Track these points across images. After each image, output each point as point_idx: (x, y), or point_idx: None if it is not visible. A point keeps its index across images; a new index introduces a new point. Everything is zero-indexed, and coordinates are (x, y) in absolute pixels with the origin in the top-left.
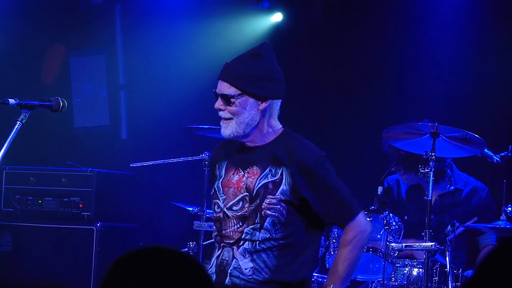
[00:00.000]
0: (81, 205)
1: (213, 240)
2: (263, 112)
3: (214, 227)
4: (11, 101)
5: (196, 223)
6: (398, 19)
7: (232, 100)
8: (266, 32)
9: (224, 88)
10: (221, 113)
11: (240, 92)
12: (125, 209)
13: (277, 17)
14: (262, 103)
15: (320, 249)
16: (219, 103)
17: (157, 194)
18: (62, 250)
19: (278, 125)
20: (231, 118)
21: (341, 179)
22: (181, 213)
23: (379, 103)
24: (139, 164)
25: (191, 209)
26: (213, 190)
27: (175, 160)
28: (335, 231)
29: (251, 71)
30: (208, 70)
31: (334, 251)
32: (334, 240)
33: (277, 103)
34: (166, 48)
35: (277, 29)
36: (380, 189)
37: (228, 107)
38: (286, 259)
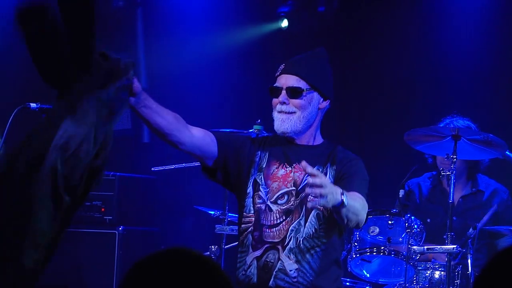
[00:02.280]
0: (103, 209)
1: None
2: (321, 112)
3: (252, 219)
4: (33, 105)
5: (218, 226)
6: (415, 19)
7: (303, 93)
8: (280, 37)
9: (293, 81)
10: (283, 107)
11: (309, 86)
12: (147, 213)
13: (285, 23)
14: (323, 101)
15: (342, 252)
16: (283, 97)
17: (179, 198)
18: (84, 254)
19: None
20: (293, 112)
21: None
22: (202, 216)
23: (400, 106)
24: (160, 168)
25: (212, 212)
26: (252, 181)
27: (196, 164)
28: (356, 234)
29: (321, 69)
30: (229, 73)
31: (355, 254)
32: (356, 243)
33: (327, 109)
34: (187, 51)
35: (289, 34)
36: (401, 192)
37: (293, 101)
38: (327, 262)
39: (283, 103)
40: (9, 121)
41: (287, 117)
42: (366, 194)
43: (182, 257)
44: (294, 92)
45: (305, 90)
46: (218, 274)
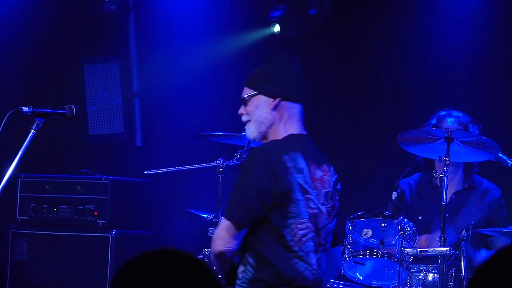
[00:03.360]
0: (96, 213)
1: None
2: (277, 112)
3: (309, 224)
4: (25, 109)
5: (211, 229)
6: (408, 20)
7: (248, 100)
8: (274, 42)
9: (243, 92)
10: (242, 118)
11: (252, 92)
12: (140, 217)
13: (277, 28)
14: (273, 101)
15: None
16: (240, 109)
17: (172, 201)
18: (77, 258)
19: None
20: (248, 120)
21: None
22: (196, 220)
23: (393, 108)
24: (153, 172)
25: (206, 215)
26: (298, 185)
27: (189, 167)
28: (349, 236)
29: (262, 72)
30: (222, 77)
31: (348, 257)
32: (348, 246)
33: (293, 106)
34: (180, 55)
35: (282, 38)
36: (394, 194)
37: (245, 109)
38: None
39: (241, 114)
40: (1, 125)
41: (247, 127)
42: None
43: (170, 256)
44: (243, 102)
45: (246, 97)
46: (206, 272)
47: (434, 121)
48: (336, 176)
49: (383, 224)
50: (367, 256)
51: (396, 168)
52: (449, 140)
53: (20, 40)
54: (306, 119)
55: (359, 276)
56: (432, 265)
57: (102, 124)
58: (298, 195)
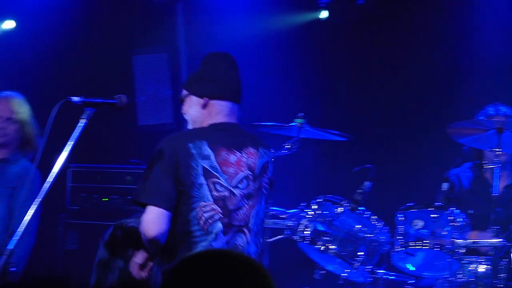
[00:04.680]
0: None
1: (281, 236)
2: (206, 111)
3: (215, 207)
4: (75, 99)
5: None
6: (457, 9)
7: (183, 101)
8: (319, 28)
9: (182, 93)
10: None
11: (186, 93)
12: None
13: (325, 14)
14: (202, 100)
15: (386, 245)
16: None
17: None
18: None
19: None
20: (186, 119)
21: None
22: None
23: (443, 98)
24: None
25: None
26: (201, 170)
27: None
28: (400, 228)
29: (194, 74)
30: (271, 66)
31: (399, 247)
32: (399, 237)
33: (222, 104)
34: (228, 44)
35: (328, 25)
36: (445, 185)
37: (183, 109)
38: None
39: (183, 113)
40: (52, 115)
41: (187, 124)
42: None
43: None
44: (181, 102)
45: (182, 98)
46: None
47: (484, 112)
48: (266, 159)
49: (434, 215)
50: (418, 247)
51: (446, 159)
52: (500, 131)
53: (70, 32)
54: (354, 113)
55: (410, 267)
56: (483, 256)
57: (151, 115)
58: (200, 180)
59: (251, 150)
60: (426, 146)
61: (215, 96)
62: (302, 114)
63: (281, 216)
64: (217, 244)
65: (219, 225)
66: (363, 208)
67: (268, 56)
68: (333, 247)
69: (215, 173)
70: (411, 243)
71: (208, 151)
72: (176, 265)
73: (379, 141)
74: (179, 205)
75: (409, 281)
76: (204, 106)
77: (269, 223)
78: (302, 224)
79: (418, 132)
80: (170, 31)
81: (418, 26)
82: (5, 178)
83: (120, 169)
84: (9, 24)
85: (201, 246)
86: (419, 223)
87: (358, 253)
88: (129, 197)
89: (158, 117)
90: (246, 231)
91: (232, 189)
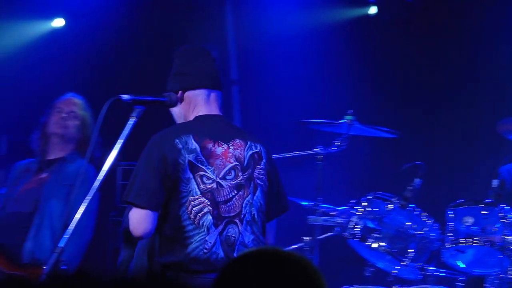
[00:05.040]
0: None
1: (331, 233)
2: (184, 104)
3: (203, 199)
4: (125, 97)
5: (311, 217)
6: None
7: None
8: (368, 24)
9: None
10: None
11: (165, 92)
12: None
13: (374, 10)
14: (177, 95)
15: (436, 242)
16: None
17: None
18: None
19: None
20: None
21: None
22: (295, 207)
23: (493, 95)
24: None
25: (305, 203)
26: (188, 164)
27: (288, 154)
28: (450, 225)
29: (170, 71)
30: (320, 62)
31: (450, 244)
32: (450, 234)
33: (197, 93)
34: (277, 40)
35: (377, 21)
36: (495, 181)
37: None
38: (262, 230)
39: None
40: (102, 112)
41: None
42: None
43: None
44: None
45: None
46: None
47: None
48: (255, 150)
49: (484, 212)
50: (469, 244)
51: (496, 155)
52: None
53: (119, 29)
54: (405, 107)
55: (460, 264)
56: None
57: None
58: (187, 174)
59: (238, 141)
60: (476, 143)
61: (187, 87)
62: (352, 111)
63: (331, 213)
64: (211, 238)
65: (209, 218)
66: (413, 205)
67: (317, 52)
68: (383, 244)
69: (201, 166)
70: (461, 240)
71: (194, 144)
72: (228, 264)
73: (429, 138)
74: (170, 202)
75: (460, 278)
76: (181, 100)
77: (319, 220)
78: (352, 221)
79: (468, 128)
80: (219, 28)
81: (466, 22)
82: (62, 177)
83: None
84: (59, 22)
85: (194, 241)
86: (469, 220)
87: (408, 250)
88: None
89: None
90: (237, 221)
91: (220, 181)
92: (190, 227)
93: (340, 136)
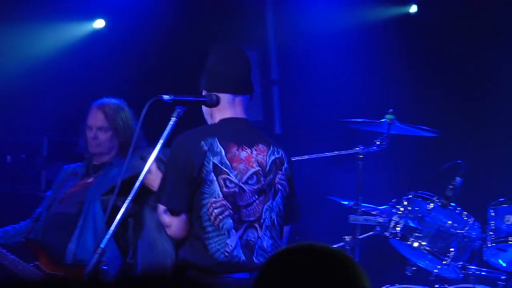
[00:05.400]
0: None
1: (372, 232)
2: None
3: (224, 202)
4: (166, 97)
5: (351, 217)
6: None
7: None
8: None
9: None
10: None
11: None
12: None
13: (414, 8)
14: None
15: (477, 241)
16: None
17: (312, 188)
18: None
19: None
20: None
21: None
22: (336, 207)
23: None
24: (293, 159)
25: (346, 203)
26: (212, 167)
27: (329, 154)
28: (492, 223)
29: (203, 68)
30: (360, 62)
31: (491, 243)
32: (491, 233)
33: (223, 97)
34: (317, 40)
35: (418, 20)
36: None
37: None
38: (280, 235)
39: None
40: (143, 113)
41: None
42: None
43: (320, 251)
44: None
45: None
46: (352, 268)
47: None
48: (277, 156)
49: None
50: (510, 242)
51: None
52: None
53: (159, 30)
54: (445, 106)
55: (501, 263)
56: None
57: None
58: (211, 176)
59: (261, 146)
60: None
61: (213, 89)
62: (392, 110)
63: (372, 213)
64: (232, 241)
65: (230, 221)
66: (454, 204)
67: (358, 51)
68: (424, 243)
69: (225, 169)
70: (502, 239)
71: (219, 147)
72: (271, 258)
73: (470, 137)
74: (192, 202)
75: (501, 277)
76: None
77: (360, 219)
78: (393, 220)
79: (509, 126)
80: (259, 29)
81: (510, 20)
82: (106, 180)
83: None
84: (99, 24)
85: (214, 243)
86: (511, 219)
87: (450, 249)
88: None
89: (247, 115)
90: (257, 226)
91: (242, 185)
92: (210, 229)
93: (381, 135)
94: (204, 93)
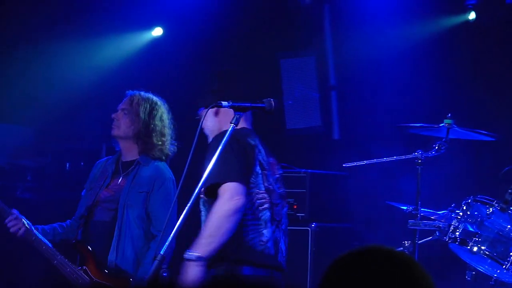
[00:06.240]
0: (295, 206)
1: (431, 237)
2: (219, 117)
3: (265, 195)
4: (224, 103)
5: (410, 222)
6: None
7: (200, 119)
8: (468, 30)
9: None
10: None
11: (200, 111)
12: (339, 210)
13: (473, 15)
14: (213, 110)
15: None
16: None
17: (371, 193)
18: None
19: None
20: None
21: None
22: (395, 212)
23: None
24: (352, 164)
25: (405, 208)
26: (258, 161)
27: (388, 159)
28: None
29: (201, 92)
30: (418, 66)
31: None
32: None
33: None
34: (375, 46)
35: (477, 26)
36: None
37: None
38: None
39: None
40: (202, 119)
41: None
42: None
43: (381, 254)
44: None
45: (197, 118)
46: (416, 270)
47: None
48: (281, 173)
49: None
50: None
51: None
52: None
53: (217, 36)
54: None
55: None
56: None
57: (299, 118)
58: (258, 169)
59: (272, 160)
60: None
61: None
62: (450, 114)
63: (431, 218)
64: (267, 233)
65: (268, 214)
66: None
67: (415, 56)
68: (484, 247)
69: (266, 167)
70: None
71: (261, 147)
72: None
73: None
74: None
75: None
76: (216, 113)
77: (419, 224)
78: (452, 225)
79: None
80: (317, 34)
81: None
82: (137, 183)
83: None
84: (157, 32)
85: (251, 231)
86: None
87: (509, 253)
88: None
89: (306, 120)
90: (281, 227)
91: (274, 185)
92: (249, 217)
93: (440, 140)
94: (214, 108)
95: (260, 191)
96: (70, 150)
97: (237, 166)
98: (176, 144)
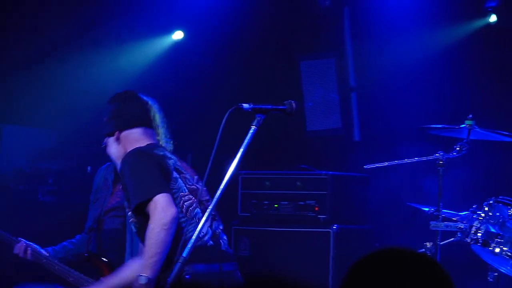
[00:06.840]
0: (316, 208)
1: (453, 239)
2: (122, 142)
3: (191, 196)
4: (245, 106)
5: (432, 223)
6: None
7: (106, 147)
8: (489, 33)
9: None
10: None
11: (105, 139)
12: (360, 211)
13: (493, 18)
14: (114, 136)
15: None
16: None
17: (392, 195)
18: (299, 254)
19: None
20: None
21: None
22: (416, 213)
23: None
24: (373, 166)
25: (427, 209)
26: (173, 166)
27: (409, 160)
28: None
29: (104, 120)
30: (438, 68)
31: None
32: None
33: (131, 132)
34: (395, 48)
35: (498, 29)
36: None
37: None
38: None
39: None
40: (223, 121)
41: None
42: None
43: (403, 256)
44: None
45: (103, 146)
46: (438, 270)
47: None
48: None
49: None
50: None
51: None
52: None
53: (238, 39)
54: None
55: None
56: None
57: (319, 120)
58: (175, 174)
59: (185, 164)
60: None
61: (122, 128)
62: (472, 115)
63: (452, 219)
64: (203, 228)
65: (199, 211)
66: None
67: (435, 57)
68: (506, 248)
69: (182, 170)
70: None
71: (169, 154)
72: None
73: None
74: None
75: None
76: (118, 139)
77: (441, 226)
78: (474, 226)
79: None
80: (337, 36)
81: None
82: None
83: (290, 175)
84: (178, 35)
85: (188, 231)
86: None
87: None
88: (300, 203)
89: (326, 123)
90: (217, 218)
91: (196, 185)
92: (183, 219)
93: (461, 141)
94: (115, 135)
95: (185, 193)
96: (92, 154)
97: (157, 178)
98: (171, 142)
